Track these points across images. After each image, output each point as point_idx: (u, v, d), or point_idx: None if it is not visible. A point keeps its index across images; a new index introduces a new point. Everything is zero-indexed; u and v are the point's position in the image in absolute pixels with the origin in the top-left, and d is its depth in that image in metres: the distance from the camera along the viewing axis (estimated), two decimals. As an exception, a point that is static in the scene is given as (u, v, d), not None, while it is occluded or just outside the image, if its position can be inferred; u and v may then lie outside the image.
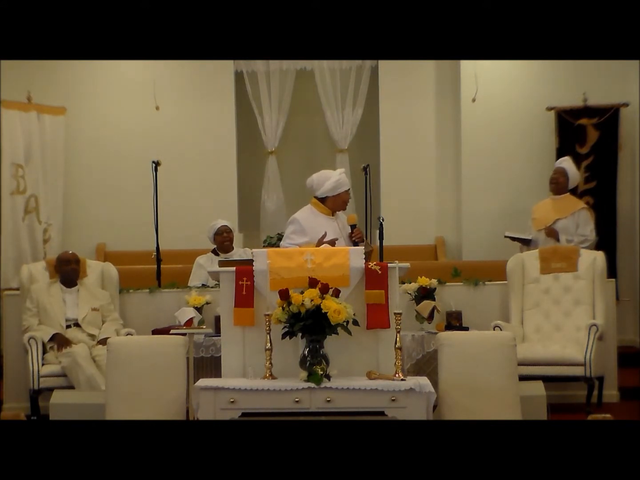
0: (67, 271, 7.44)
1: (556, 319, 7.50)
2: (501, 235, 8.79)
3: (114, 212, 9.86)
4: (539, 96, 9.61)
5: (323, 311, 5.10)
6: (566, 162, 8.57)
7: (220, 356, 5.62)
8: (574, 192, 8.71)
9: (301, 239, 6.38)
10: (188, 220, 9.66)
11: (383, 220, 6.89)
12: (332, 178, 6.49)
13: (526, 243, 8.48)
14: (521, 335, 7.38)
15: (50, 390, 6.56)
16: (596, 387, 7.23)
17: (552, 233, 8.31)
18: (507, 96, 9.71)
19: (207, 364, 6.97)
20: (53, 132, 9.66)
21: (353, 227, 6.43)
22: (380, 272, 5.41)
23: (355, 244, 6.30)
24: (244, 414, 5.12)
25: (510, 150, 9.69)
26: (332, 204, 6.50)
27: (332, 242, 6.24)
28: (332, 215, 6.50)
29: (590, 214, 8.40)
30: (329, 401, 5.10)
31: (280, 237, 7.72)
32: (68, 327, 7.28)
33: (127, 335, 7.02)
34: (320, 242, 6.21)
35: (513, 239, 8.62)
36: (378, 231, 6.90)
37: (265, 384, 5.15)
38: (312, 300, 5.12)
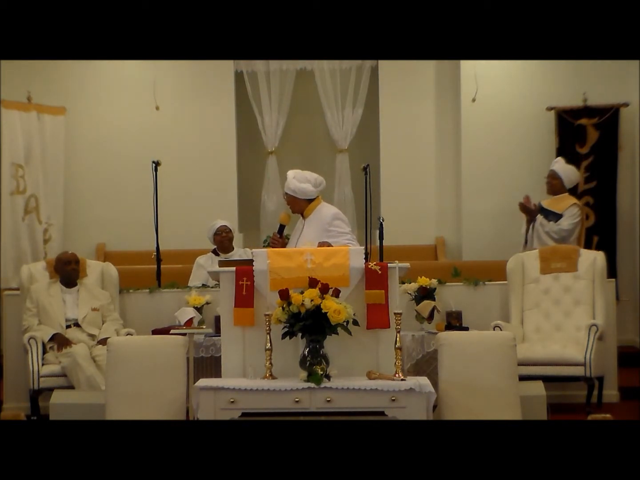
0: (67, 271, 7.44)
1: (556, 319, 7.50)
2: (501, 235, 8.75)
3: (114, 212, 9.86)
4: (539, 96, 9.61)
5: (323, 311, 5.10)
6: (557, 164, 8.43)
7: (220, 356, 5.62)
8: (573, 191, 8.68)
9: None
10: (188, 220, 9.66)
11: (383, 220, 6.89)
12: None
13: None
14: (521, 335, 7.38)
15: (50, 390, 6.56)
16: (596, 387, 7.23)
17: (525, 208, 8.25)
18: (507, 96, 9.71)
19: (207, 364, 6.97)
20: (53, 132, 9.66)
21: (282, 227, 6.39)
22: (380, 272, 5.41)
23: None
24: (244, 414, 5.12)
25: (510, 150, 9.68)
26: None
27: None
28: (303, 218, 6.50)
29: (578, 210, 8.18)
30: (329, 401, 5.09)
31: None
32: (68, 327, 7.28)
33: (127, 335, 7.02)
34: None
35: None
36: (378, 231, 6.90)
37: (265, 384, 5.15)
38: (312, 300, 5.12)
